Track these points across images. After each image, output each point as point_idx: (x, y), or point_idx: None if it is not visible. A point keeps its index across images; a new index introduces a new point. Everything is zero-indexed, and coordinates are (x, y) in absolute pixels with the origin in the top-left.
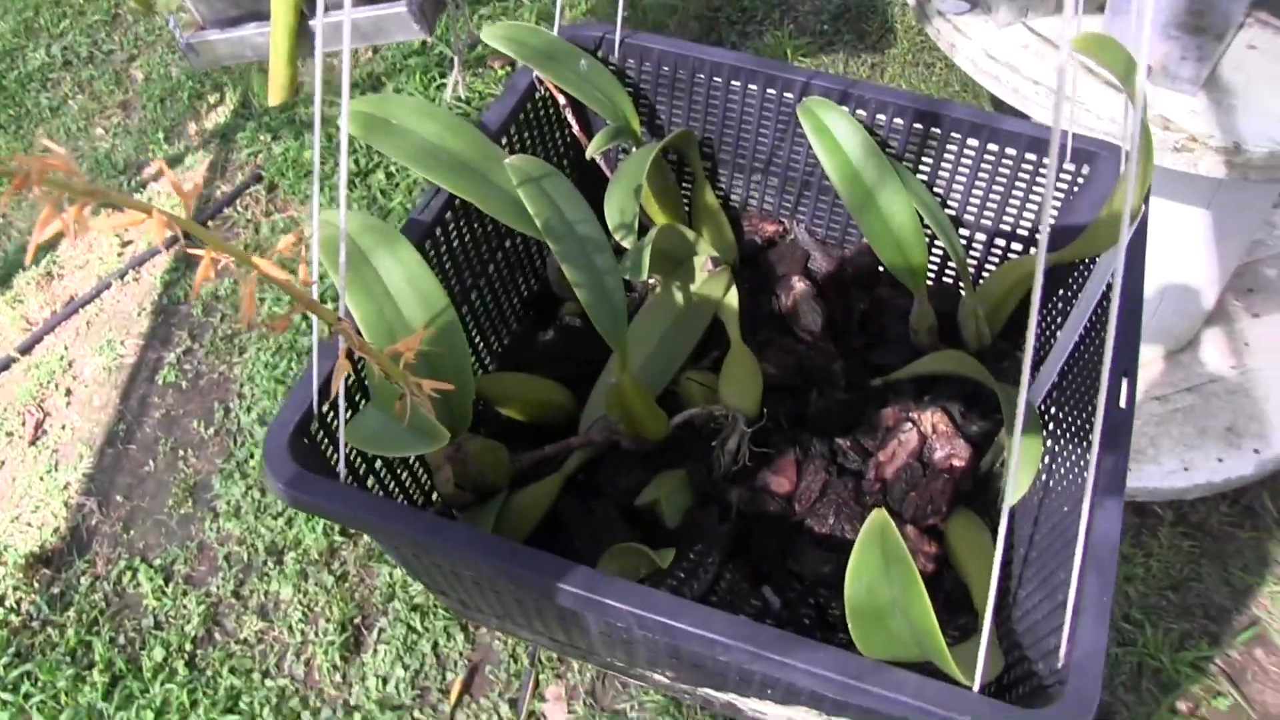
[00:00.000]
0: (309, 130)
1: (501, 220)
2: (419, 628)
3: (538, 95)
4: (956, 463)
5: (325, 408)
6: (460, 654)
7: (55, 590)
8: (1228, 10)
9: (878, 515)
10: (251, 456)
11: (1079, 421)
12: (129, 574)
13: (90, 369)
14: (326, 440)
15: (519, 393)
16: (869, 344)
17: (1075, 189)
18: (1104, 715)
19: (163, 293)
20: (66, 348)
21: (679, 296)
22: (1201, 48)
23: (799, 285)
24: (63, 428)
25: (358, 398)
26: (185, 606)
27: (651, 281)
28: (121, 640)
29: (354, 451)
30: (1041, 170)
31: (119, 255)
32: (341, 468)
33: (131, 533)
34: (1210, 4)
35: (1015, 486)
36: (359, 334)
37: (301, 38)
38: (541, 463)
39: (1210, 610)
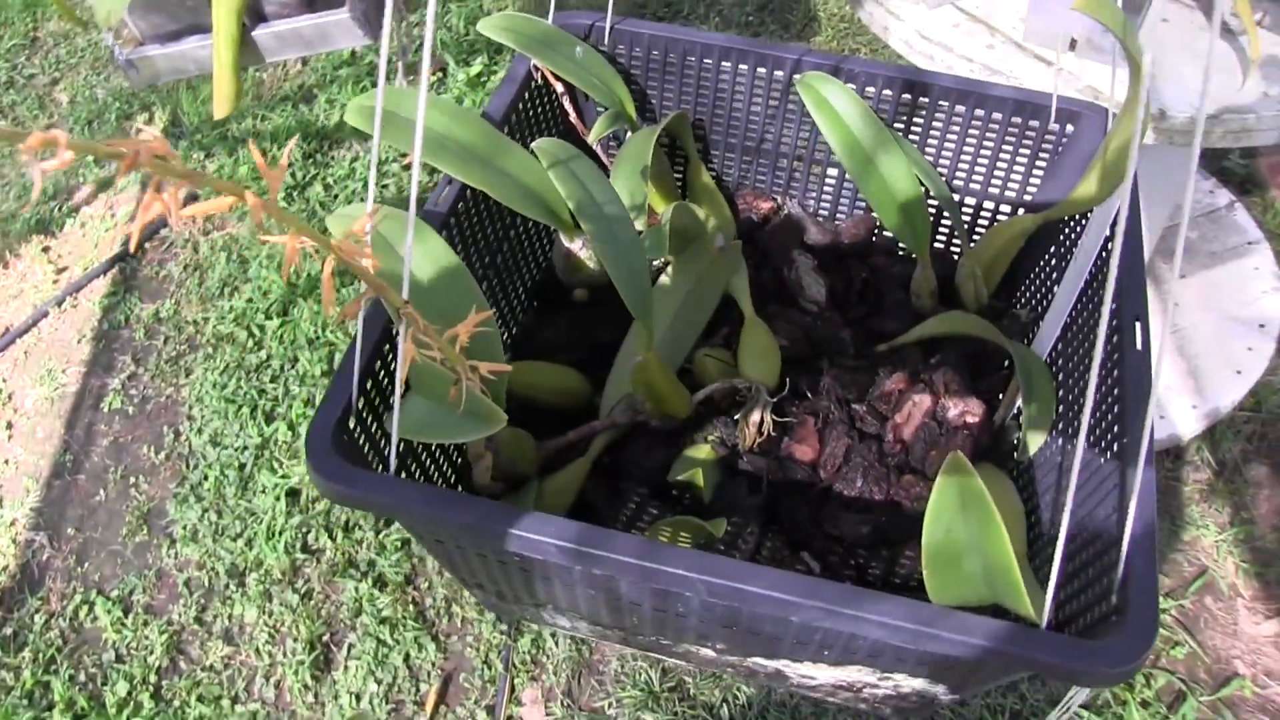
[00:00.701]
0: (242, 146)
1: (511, 206)
2: (389, 640)
3: (535, 84)
4: (970, 419)
5: (361, 404)
6: (433, 664)
7: (8, 631)
8: None
9: (954, 458)
10: (205, 479)
11: (1090, 363)
12: (85, 608)
13: (31, 400)
14: (363, 436)
15: (538, 380)
16: (870, 312)
17: (1060, 149)
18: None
19: (102, 318)
20: (5, 380)
21: (691, 274)
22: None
23: (800, 258)
24: (5, 462)
25: (387, 392)
26: (147, 637)
27: (665, 260)
28: (82, 677)
29: (385, 447)
30: (1029, 130)
31: (54, 283)
32: (393, 459)
33: (86, 565)
34: None
35: (1030, 437)
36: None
37: (245, 48)
38: (566, 449)
39: (1162, 563)
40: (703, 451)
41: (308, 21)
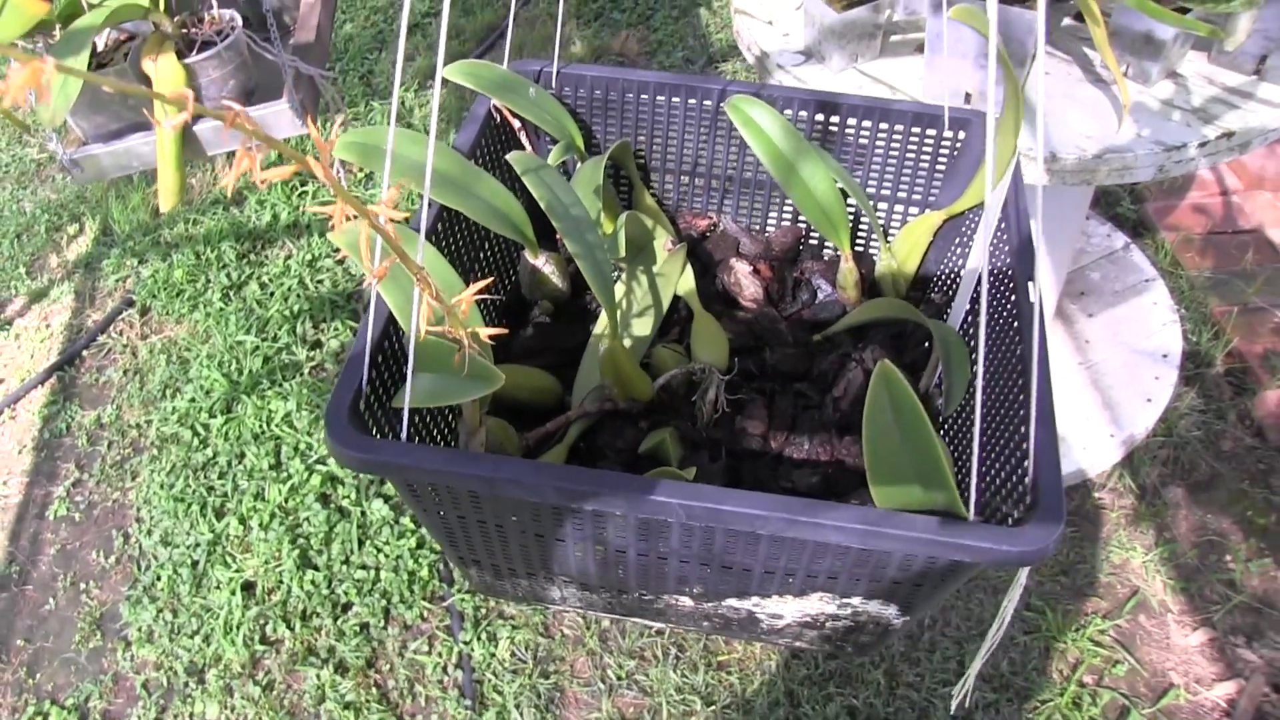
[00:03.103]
0: (176, 251)
1: (483, 223)
2: None
3: (494, 121)
4: None
5: (368, 387)
6: None
7: None
8: (1024, 40)
9: (882, 365)
10: (158, 579)
11: (996, 328)
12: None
13: None
14: (369, 416)
15: (516, 380)
16: (804, 307)
17: (955, 154)
18: (1021, 698)
19: (43, 427)
20: None
21: (644, 276)
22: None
23: (737, 265)
24: None
25: (395, 373)
26: None
27: (621, 265)
28: None
29: (390, 426)
30: (927, 139)
31: None
32: (405, 425)
33: (38, 676)
34: (1008, 35)
35: (950, 396)
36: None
37: (188, 142)
38: (545, 437)
39: (1099, 587)
40: (668, 430)
41: (248, 113)
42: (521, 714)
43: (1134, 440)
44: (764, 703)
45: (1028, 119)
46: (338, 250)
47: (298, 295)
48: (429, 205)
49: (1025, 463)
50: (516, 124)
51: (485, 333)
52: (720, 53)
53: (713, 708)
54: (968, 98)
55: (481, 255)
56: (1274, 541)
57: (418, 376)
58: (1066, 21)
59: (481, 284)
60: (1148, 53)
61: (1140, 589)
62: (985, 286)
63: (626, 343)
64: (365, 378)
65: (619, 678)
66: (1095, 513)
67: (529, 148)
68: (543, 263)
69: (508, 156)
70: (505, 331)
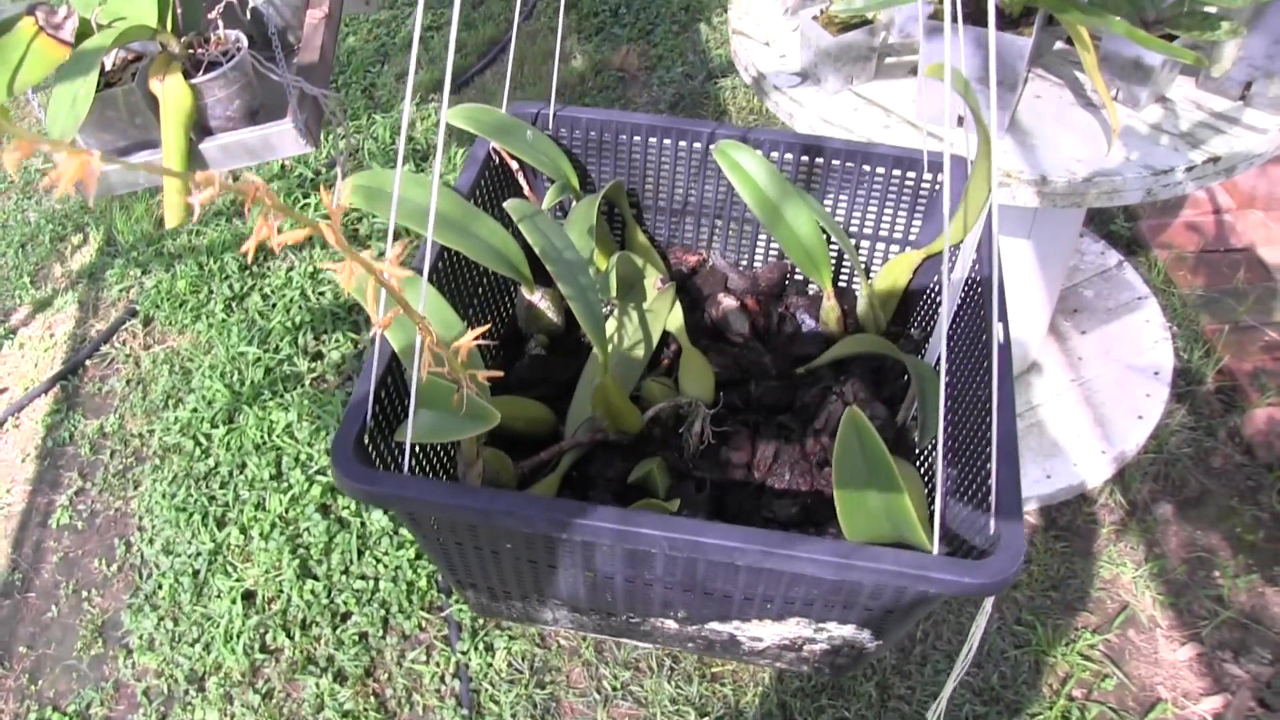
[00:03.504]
0: (179, 261)
1: (482, 263)
2: None
3: (494, 163)
4: (877, 420)
5: (372, 421)
6: None
7: None
8: (1015, 66)
9: (850, 411)
10: (160, 587)
11: (968, 367)
12: None
13: None
14: (372, 449)
15: (512, 411)
16: (788, 341)
17: (934, 196)
18: (1011, 712)
19: (46, 436)
20: None
21: (635, 313)
22: (1001, 98)
23: (725, 300)
24: None
25: (397, 408)
26: None
27: (613, 303)
28: None
29: (392, 458)
30: (908, 181)
31: None
32: (407, 459)
33: (40, 683)
34: (1000, 61)
35: (924, 430)
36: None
37: (193, 160)
38: (539, 466)
39: (1088, 602)
40: (656, 461)
41: (252, 133)
42: None
43: (1125, 457)
44: (757, 714)
45: (1020, 141)
46: (340, 262)
47: (299, 307)
48: (431, 245)
49: (989, 498)
50: (515, 165)
51: (483, 375)
52: (720, 68)
53: (706, 718)
54: (960, 121)
55: (480, 290)
56: (1262, 558)
57: (419, 413)
58: (1059, 45)
59: (479, 331)
60: (1137, 78)
61: (1130, 604)
62: (944, 329)
63: (617, 376)
64: (369, 413)
65: (614, 688)
66: (1086, 528)
67: (526, 188)
68: (538, 298)
69: (505, 205)
70: (500, 374)
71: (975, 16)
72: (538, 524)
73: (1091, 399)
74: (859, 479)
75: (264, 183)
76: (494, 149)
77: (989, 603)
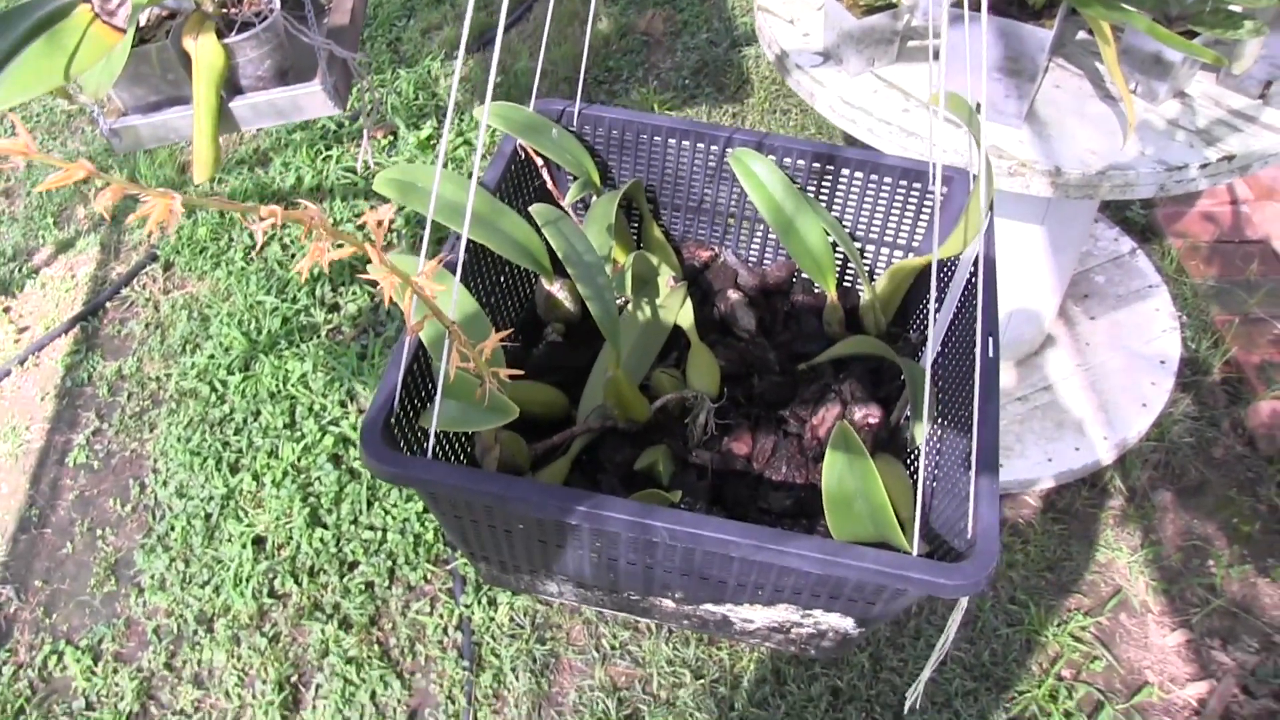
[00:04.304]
0: (201, 208)
1: (506, 256)
2: (355, 680)
3: (520, 159)
4: (872, 419)
5: (398, 407)
6: (399, 701)
7: None
8: (1035, 56)
9: (841, 426)
10: (172, 529)
11: (960, 374)
12: (54, 658)
13: None
14: (398, 431)
15: (528, 396)
16: (792, 338)
17: (939, 203)
18: (1000, 688)
19: (65, 376)
20: None
21: (648, 308)
22: (1019, 88)
23: (734, 295)
24: None
25: (422, 393)
26: (117, 684)
27: (626, 298)
28: None
29: (415, 441)
30: (914, 191)
31: (15, 342)
32: (431, 446)
33: (54, 616)
34: (1020, 51)
35: (916, 430)
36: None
37: (223, 118)
38: (551, 449)
39: (1082, 585)
40: (661, 450)
41: (282, 93)
42: (517, 677)
43: (1126, 444)
44: (751, 678)
45: (1036, 131)
46: (359, 215)
47: (303, 251)
48: (457, 239)
49: (967, 507)
50: (540, 161)
51: (504, 373)
52: (744, 36)
53: (701, 681)
54: (978, 108)
55: (502, 279)
56: (1256, 549)
57: (445, 404)
58: (1081, 35)
59: (501, 335)
60: (1156, 72)
61: (1123, 588)
62: (933, 347)
63: (628, 369)
64: (397, 399)
65: (613, 647)
66: (1084, 512)
67: (550, 182)
68: (557, 289)
69: (531, 209)
70: (520, 373)
71: (998, 6)
72: (548, 510)
73: (1097, 385)
74: (846, 486)
75: (319, 210)
76: (520, 145)
77: (963, 601)
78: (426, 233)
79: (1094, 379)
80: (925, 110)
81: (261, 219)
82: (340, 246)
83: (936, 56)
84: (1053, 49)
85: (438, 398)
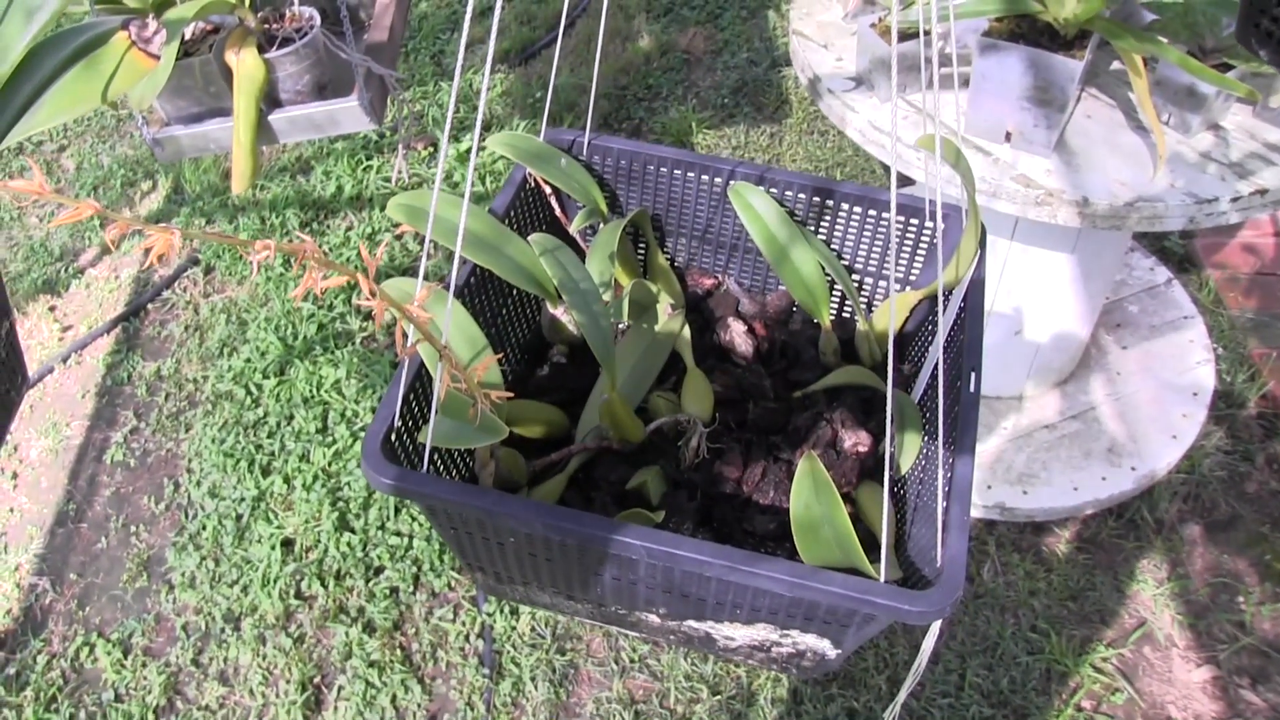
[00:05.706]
0: (242, 214)
1: (511, 282)
2: (377, 683)
3: (529, 186)
4: (861, 448)
5: (400, 422)
6: (419, 706)
7: (10, 671)
8: (1065, 86)
9: (807, 457)
10: (204, 529)
11: (947, 404)
12: (86, 650)
13: (36, 452)
14: (398, 447)
15: (528, 414)
16: (788, 366)
17: (935, 240)
18: (1018, 717)
19: (105, 375)
20: (11, 432)
21: (646, 334)
22: (1049, 117)
23: (734, 324)
24: (10, 510)
25: (424, 409)
26: (145, 678)
27: (627, 324)
28: (82, 716)
29: (416, 455)
30: (910, 226)
31: (59, 340)
32: (426, 461)
33: (87, 609)
34: (1050, 81)
35: (902, 458)
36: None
37: (262, 131)
38: (549, 466)
39: (1105, 616)
40: (654, 470)
41: (319, 108)
42: (536, 687)
43: (1155, 475)
44: (768, 697)
45: (1066, 161)
46: (397, 225)
47: (355, 266)
48: (462, 263)
49: (936, 537)
50: (548, 190)
51: (496, 395)
52: (784, 57)
53: (719, 697)
54: (1008, 136)
55: (509, 302)
56: None
57: (441, 421)
58: (1115, 65)
59: (490, 359)
60: (1190, 105)
61: (1148, 621)
62: (923, 377)
63: (624, 392)
64: (397, 415)
65: (632, 660)
66: (1110, 543)
67: (559, 209)
68: (560, 313)
69: (530, 239)
70: (511, 395)
71: (1029, 36)
72: (535, 527)
73: (1127, 415)
74: (813, 513)
75: (312, 242)
76: (529, 174)
77: (935, 626)
78: (424, 260)
79: (1124, 409)
80: (952, 139)
81: (257, 252)
82: (329, 276)
83: (956, 84)
84: (1083, 79)
85: (432, 419)
